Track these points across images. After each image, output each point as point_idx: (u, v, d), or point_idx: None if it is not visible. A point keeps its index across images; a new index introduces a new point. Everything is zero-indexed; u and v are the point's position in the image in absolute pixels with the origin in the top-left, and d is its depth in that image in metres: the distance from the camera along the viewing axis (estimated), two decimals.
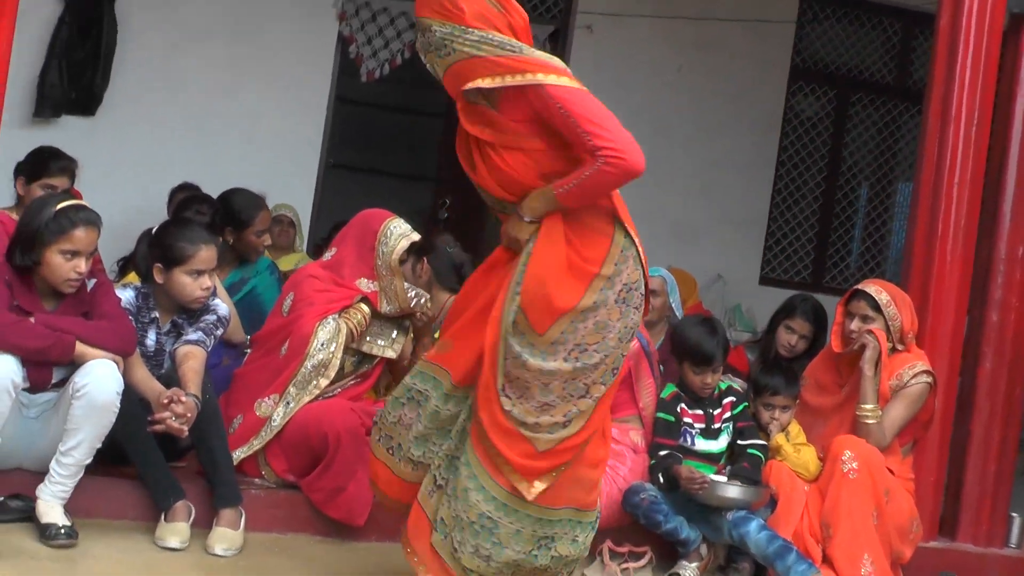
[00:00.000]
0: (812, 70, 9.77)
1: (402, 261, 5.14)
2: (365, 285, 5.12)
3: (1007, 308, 5.79)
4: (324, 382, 4.95)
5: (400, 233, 5.15)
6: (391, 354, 5.21)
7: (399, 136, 11.72)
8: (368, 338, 5.14)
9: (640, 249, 3.86)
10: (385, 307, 5.11)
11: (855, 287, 5.41)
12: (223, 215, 6.01)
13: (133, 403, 4.45)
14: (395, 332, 5.23)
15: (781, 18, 9.31)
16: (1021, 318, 5.80)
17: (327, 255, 5.31)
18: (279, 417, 4.90)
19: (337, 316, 5.00)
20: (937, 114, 5.70)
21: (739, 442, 5.19)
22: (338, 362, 4.98)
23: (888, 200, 10.22)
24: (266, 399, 4.94)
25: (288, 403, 4.91)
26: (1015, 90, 5.83)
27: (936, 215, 5.65)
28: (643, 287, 3.87)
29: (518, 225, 3.84)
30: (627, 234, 3.84)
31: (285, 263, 7.11)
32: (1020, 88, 5.82)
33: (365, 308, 5.08)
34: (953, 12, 5.69)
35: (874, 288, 5.31)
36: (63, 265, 4.34)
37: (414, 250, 5.29)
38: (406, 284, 5.16)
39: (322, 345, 4.94)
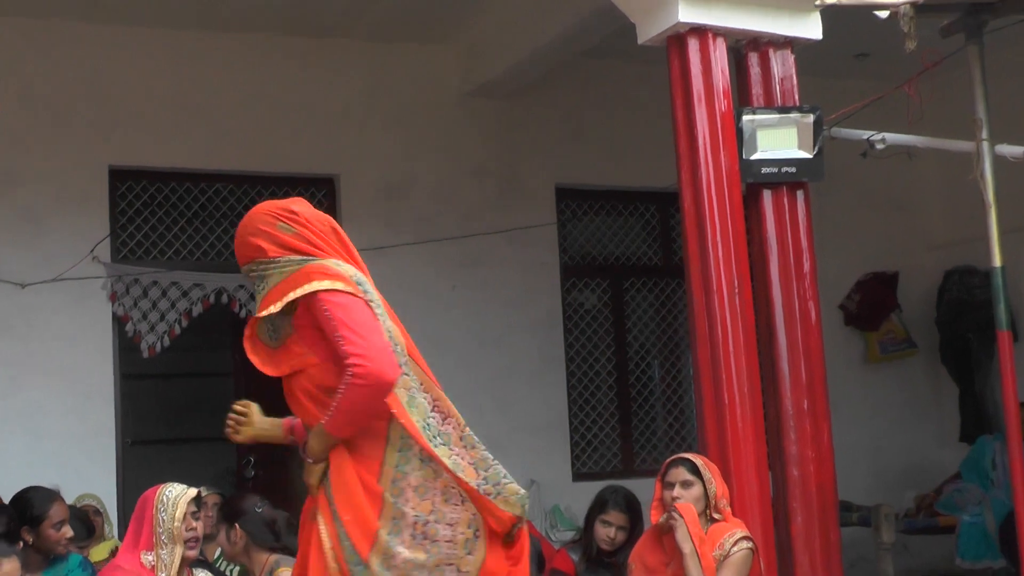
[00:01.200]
0: (582, 264, 10.03)
1: (195, 519, 5.09)
2: (147, 560, 5.00)
3: (805, 461, 5.97)
4: None
5: (176, 496, 5.08)
6: None
7: (192, 402, 11.63)
8: None
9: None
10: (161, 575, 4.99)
11: (672, 457, 5.54)
12: (17, 517, 5.85)
13: None
14: None
15: (541, 222, 9.59)
16: (819, 468, 5.98)
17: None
18: None
19: None
20: (700, 289, 5.92)
21: None
22: None
23: (680, 374, 10.45)
24: None
25: None
26: (766, 255, 6.10)
27: (719, 385, 5.83)
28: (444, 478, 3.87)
29: (308, 470, 3.85)
30: (403, 433, 3.84)
31: (97, 553, 6.97)
32: (770, 252, 6.09)
33: None
34: (694, 191, 5.96)
35: (690, 454, 5.50)
36: None
37: (224, 519, 5.22)
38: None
39: None
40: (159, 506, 5.06)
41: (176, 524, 5.01)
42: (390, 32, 9.19)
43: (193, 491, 5.15)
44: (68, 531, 5.96)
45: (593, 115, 9.95)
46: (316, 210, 4.08)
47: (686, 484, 5.38)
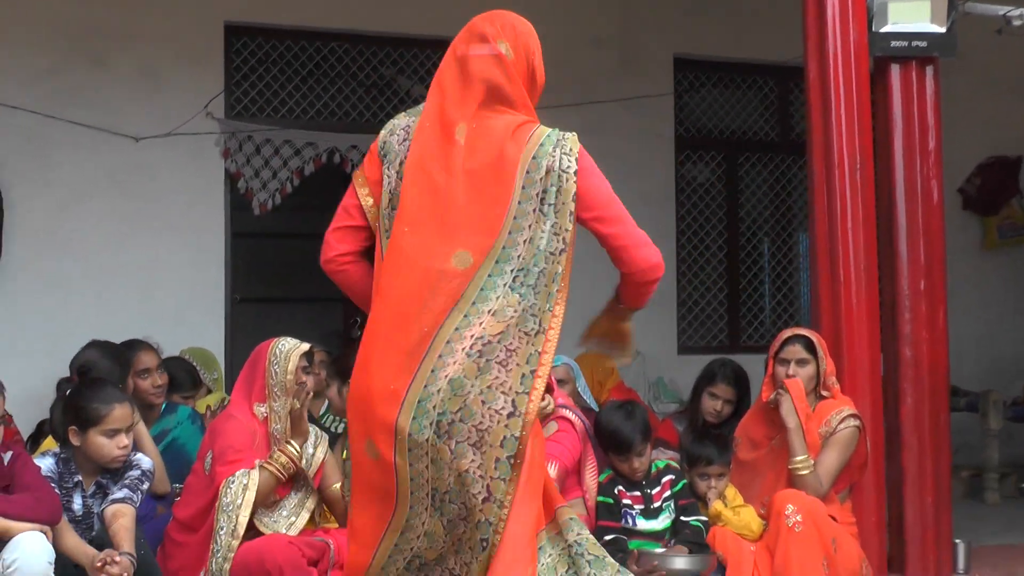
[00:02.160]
0: (696, 137, 9.92)
1: (306, 374, 5.20)
2: (260, 411, 5.12)
3: (918, 342, 5.92)
4: (235, 542, 4.82)
5: (288, 349, 5.17)
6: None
7: (300, 262, 11.72)
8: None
9: None
10: (275, 426, 5.09)
11: (787, 333, 5.49)
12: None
13: (68, 571, 4.41)
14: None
15: (658, 91, 9.49)
16: (933, 350, 5.94)
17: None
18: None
19: (246, 472, 4.93)
20: (821, 164, 5.85)
21: (682, 518, 5.23)
22: (245, 519, 4.86)
23: (791, 252, 10.38)
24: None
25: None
26: (891, 131, 6.00)
27: (836, 262, 5.78)
28: None
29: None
30: None
31: (203, 404, 7.10)
32: (895, 128, 5.99)
33: (291, 449, 5.07)
34: (820, 64, 5.86)
35: (806, 330, 5.45)
36: None
37: (335, 375, 5.29)
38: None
39: (228, 505, 4.86)
40: (272, 359, 5.14)
41: (289, 377, 5.08)
42: None
43: (305, 345, 5.23)
44: (157, 379, 6.05)
45: None
46: None
47: (802, 362, 5.36)
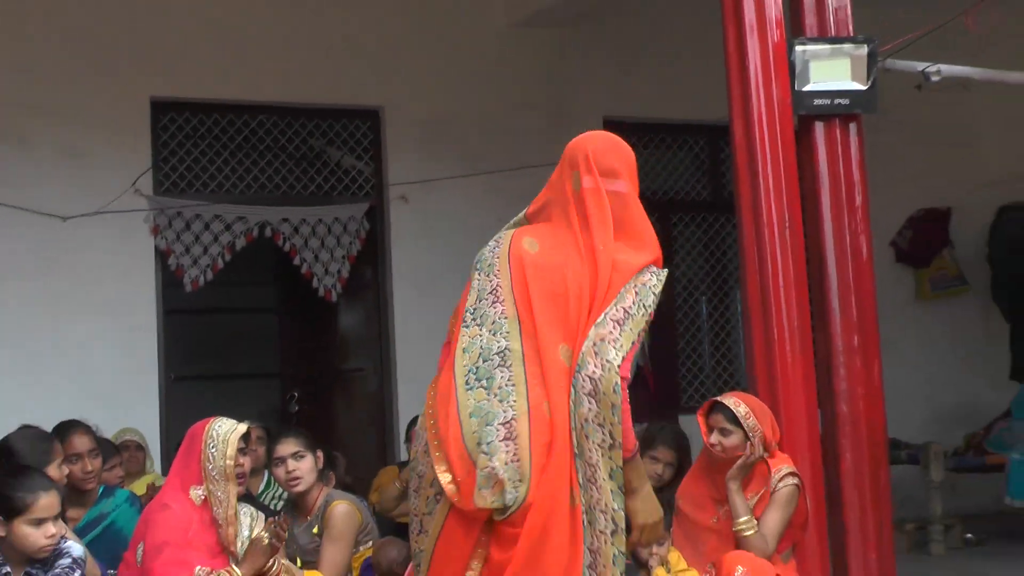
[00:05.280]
0: None
1: (243, 454, 5.15)
2: (196, 494, 4.99)
3: (854, 398, 5.93)
4: None
5: (225, 432, 5.06)
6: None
7: (235, 338, 11.69)
8: None
9: None
10: (216, 510, 4.98)
11: (713, 399, 5.46)
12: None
13: None
14: None
15: None
16: (869, 405, 5.95)
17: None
18: None
19: None
20: (750, 224, 5.88)
21: None
22: None
23: (728, 311, 10.45)
24: None
25: None
26: (818, 188, 6.03)
27: (769, 321, 5.79)
28: None
29: None
30: None
31: (139, 487, 7.05)
32: (822, 186, 6.02)
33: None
34: (745, 124, 5.91)
35: (732, 400, 5.33)
36: None
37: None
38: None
39: None
40: (209, 442, 5.05)
41: (228, 461, 5.00)
42: None
43: (243, 427, 5.15)
44: (88, 463, 5.92)
45: (642, 46, 9.86)
46: None
47: (724, 432, 5.29)
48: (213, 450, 5.02)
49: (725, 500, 5.29)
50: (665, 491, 6.04)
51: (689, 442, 6.33)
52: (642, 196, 4.29)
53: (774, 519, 5.25)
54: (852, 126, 6.10)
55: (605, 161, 4.12)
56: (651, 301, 3.91)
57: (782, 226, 5.83)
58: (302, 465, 5.85)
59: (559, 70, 9.67)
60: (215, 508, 4.99)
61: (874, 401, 5.99)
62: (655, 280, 3.97)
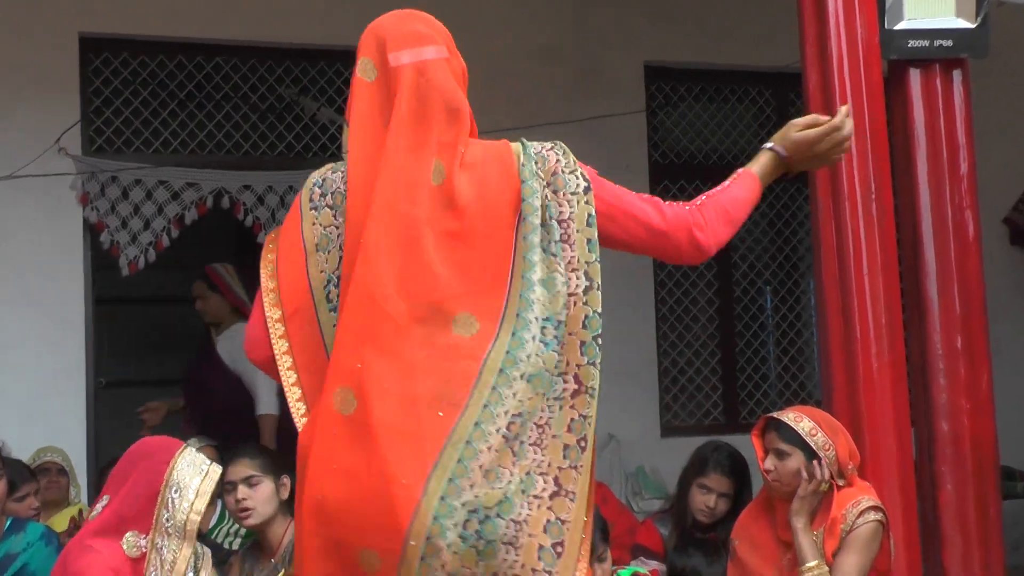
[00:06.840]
0: (675, 163, 9.98)
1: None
2: (134, 543, 4.60)
3: (957, 413, 5.91)
4: None
5: (198, 484, 4.65)
6: None
7: (180, 334, 11.73)
8: None
9: None
10: (153, 574, 4.62)
11: (768, 415, 5.49)
12: None
13: None
14: None
15: (626, 109, 9.54)
16: (976, 422, 5.93)
17: (97, 508, 4.77)
18: None
19: None
20: (827, 194, 5.88)
21: None
22: None
23: (799, 304, 10.45)
24: None
25: None
26: (912, 150, 6.04)
27: (850, 316, 5.78)
28: None
29: None
30: None
31: (59, 522, 7.06)
32: (917, 147, 6.03)
33: None
34: (821, 71, 5.90)
35: (792, 415, 5.35)
36: None
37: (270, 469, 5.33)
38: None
39: None
40: (173, 485, 4.65)
41: (193, 516, 4.63)
42: None
43: (218, 470, 4.81)
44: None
45: None
46: None
47: (780, 454, 5.32)
48: (176, 496, 4.64)
49: (792, 542, 5.31)
50: (718, 528, 6.07)
51: (749, 468, 6.35)
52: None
53: (851, 564, 5.26)
54: (957, 73, 6.11)
55: (406, 27, 4.09)
56: None
57: (867, 198, 5.83)
58: (256, 494, 5.72)
59: (590, 8, 9.65)
60: (152, 570, 4.62)
61: (982, 418, 5.99)
62: None
